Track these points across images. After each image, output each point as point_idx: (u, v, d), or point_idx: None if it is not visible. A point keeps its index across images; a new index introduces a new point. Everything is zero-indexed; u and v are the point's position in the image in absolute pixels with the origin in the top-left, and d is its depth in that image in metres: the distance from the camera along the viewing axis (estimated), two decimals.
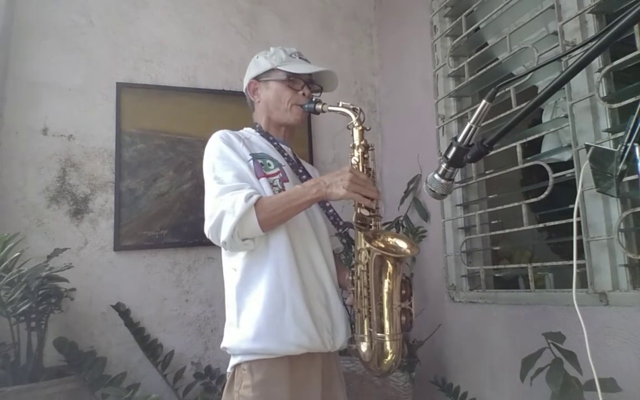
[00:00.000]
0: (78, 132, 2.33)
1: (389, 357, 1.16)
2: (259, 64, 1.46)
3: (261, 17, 2.79)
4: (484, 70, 2.03)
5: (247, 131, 1.46)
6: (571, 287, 0.98)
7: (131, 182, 2.36)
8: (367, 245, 1.18)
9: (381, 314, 1.16)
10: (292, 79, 1.41)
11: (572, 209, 0.98)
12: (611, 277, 1.48)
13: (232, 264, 1.28)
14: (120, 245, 2.29)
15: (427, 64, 2.42)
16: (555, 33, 1.71)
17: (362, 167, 1.27)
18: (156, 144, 2.43)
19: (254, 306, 1.21)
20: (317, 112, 1.36)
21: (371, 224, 1.24)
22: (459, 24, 2.19)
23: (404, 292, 1.19)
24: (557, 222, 1.63)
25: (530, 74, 1.78)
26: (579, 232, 1.53)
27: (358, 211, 1.22)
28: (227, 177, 1.24)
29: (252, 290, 1.23)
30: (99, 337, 2.20)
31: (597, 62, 1.54)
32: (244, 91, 1.53)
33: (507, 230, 1.90)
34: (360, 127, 1.29)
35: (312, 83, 1.47)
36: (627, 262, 1.44)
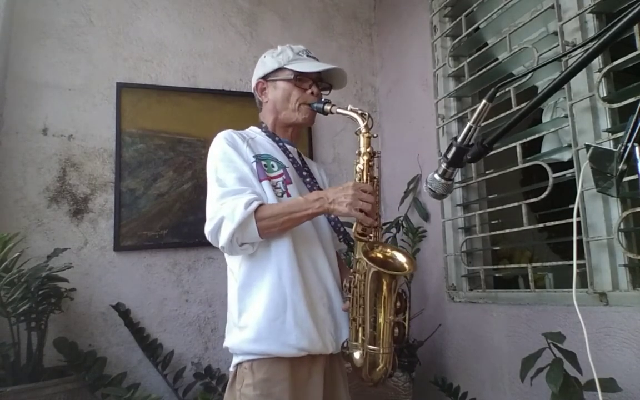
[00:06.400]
0: (78, 132, 2.33)
1: (380, 368, 1.19)
2: (266, 63, 1.42)
3: (261, 17, 2.79)
4: (484, 70, 2.03)
5: (253, 130, 1.44)
6: (571, 287, 0.98)
7: (131, 182, 2.36)
8: (365, 259, 1.18)
9: (374, 327, 1.17)
10: (299, 78, 1.37)
11: (572, 209, 0.98)
12: (611, 277, 1.48)
13: (235, 265, 1.28)
14: (120, 245, 2.29)
15: (427, 64, 2.42)
16: (555, 33, 1.71)
17: (366, 175, 1.27)
18: (156, 144, 2.43)
19: (256, 308, 1.21)
20: (325, 113, 1.34)
21: (371, 234, 1.24)
22: (459, 24, 2.19)
23: (398, 304, 1.20)
24: (557, 222, 1.63)
25: (530, 74, 1.78)
26: (579, 232, 1.53)
27: (358, 222, 1.23)
28: (229, 180, 1.23)
29: (254, 292, 1.23)
30: (99, 337, 2.20)
31: (597, 62, 1.54)
32: (252, 91, 1.50)
33: (507, 230, 1.90)
34: (367, 134, 1.28)
35: (320, 81, 1.44)
36: (627, 262, 1.45)
